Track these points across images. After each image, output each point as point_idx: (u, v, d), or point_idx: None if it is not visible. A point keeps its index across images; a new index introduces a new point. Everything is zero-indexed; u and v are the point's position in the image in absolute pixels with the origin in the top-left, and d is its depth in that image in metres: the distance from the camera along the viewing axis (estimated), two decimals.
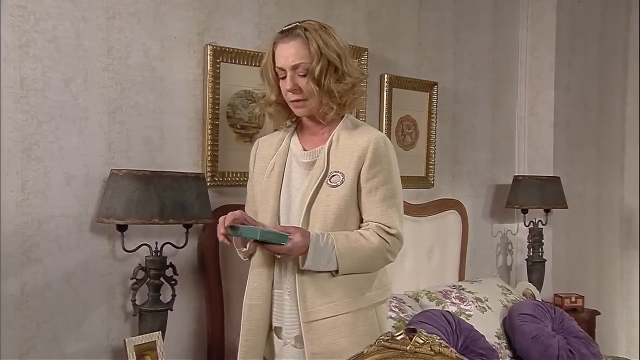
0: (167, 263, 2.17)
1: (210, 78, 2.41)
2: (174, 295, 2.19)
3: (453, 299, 2.75)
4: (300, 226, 1.73)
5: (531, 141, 3.71)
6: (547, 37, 3.61)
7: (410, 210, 3.05)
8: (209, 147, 2.42)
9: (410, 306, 2.58)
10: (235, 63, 2.49)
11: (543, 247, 3.48)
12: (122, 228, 2.09)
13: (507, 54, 3.71)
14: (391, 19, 3.09)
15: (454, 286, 2.93)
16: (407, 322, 2.37)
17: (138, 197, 2.01)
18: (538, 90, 3.67)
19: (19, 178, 1.98)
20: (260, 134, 2.59)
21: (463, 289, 2.90)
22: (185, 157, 2.40)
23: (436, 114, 3.27)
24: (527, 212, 3.49)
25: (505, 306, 2.83)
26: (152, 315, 2.12)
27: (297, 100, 1.76)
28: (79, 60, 2.10)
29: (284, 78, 1.76)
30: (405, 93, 3.11)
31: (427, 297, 2.75)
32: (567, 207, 3.46)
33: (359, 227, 1.78)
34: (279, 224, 1.80)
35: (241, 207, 2.47)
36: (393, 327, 2.29)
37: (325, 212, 1.73)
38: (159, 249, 2.15)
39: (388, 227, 1.75)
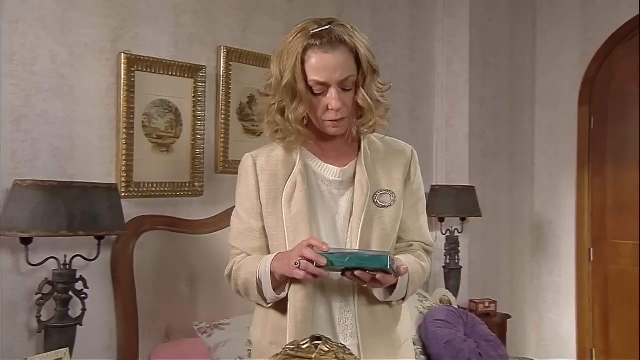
0: (77, 276, 2.08)
1: (125, 87, 2.34)
2: (83, 310, 2.09)
3: None
4: None
5: (448, 152, 3.82)
6: (461, 51, 3.73)
7: None
8: (124, 157, 2.36)
9: None
10: (151, 72, 2.43)
11: (459, 254, 3.57)
12: (26, 241, 1.98)
13: (424, 67, 3.81)
14: None
15: None
16: None
17: (44, 208, 1.92)
18: (454, 103, 3.79)
19: None
20: (177, 144, 2.54)
21: None
22: (97, 167, 2.32)
23: None
24: (444, 221, 3.58)
25: (421, 313, 2.88)
26: (59, 332, 2.02)
27: (340, 120, 1.44)
28: None
29: (320, 94, 1.43)
30: None
31: None
32: (481, 216, 3.57)
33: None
34: None
35: (158, 218, 2.44)
36: None
37: (382, 236, 1.49)
38: (67, 262, 2.06)
39: (428, 245, 1.61)
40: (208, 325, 2.30)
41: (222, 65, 2.66)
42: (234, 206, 2.63)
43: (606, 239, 3.98)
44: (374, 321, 1.49)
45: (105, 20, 2.31)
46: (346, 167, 1.53)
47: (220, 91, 2.67)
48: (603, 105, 3.95)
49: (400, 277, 1.42)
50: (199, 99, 2.58)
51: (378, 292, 1.47)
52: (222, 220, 2.61)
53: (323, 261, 1.32)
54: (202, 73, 2.59)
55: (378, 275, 1.34)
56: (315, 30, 1.39)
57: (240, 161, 2.69)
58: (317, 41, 1.38)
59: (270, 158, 1.54)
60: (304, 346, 1.27)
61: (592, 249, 4.03)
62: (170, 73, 2.49)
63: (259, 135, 2.83)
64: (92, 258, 2.15)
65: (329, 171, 1.53)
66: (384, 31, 3.53)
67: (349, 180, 1.52)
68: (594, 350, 3.95)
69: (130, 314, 2.31)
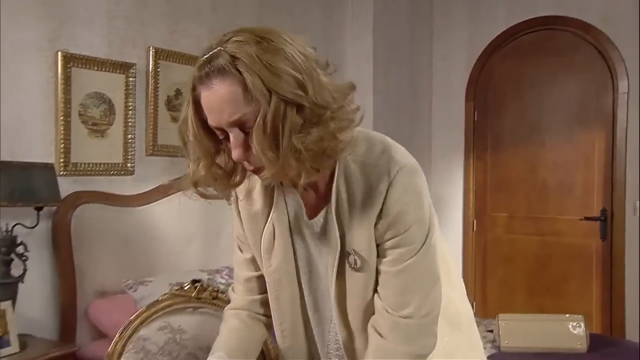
0: (18, 241, 2.22)
1: (62, 80, 2.46)
2: (25, 270, 2.24)
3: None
4: (339, 333, 1.14)
5: None
6: (366, 52, 3.97)
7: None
8: (62, 141, 2.49)
9: None
10: (86, 68, 2.56)
11: None
12: None
13: (336, 65, 4.01)
14: None
15: None
16: None
17: None
18: (361, 96, 4.02)
19: None
20: (111, 130, 2.69)
21: None
22: (40, 149, 2.44)
23: None
24: None
25: None
26: (3, 287, 2.16)
27: (258, 169, 0.98)
28: None
29: (225, 137, 0.98)
30: None
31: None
32: None
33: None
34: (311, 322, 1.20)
35: (93, 193, 2.58)
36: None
37: (361, 305, 1.10)
38: (9, 229, 2.20)
39: (397, 308, 1.07)
40: (134, 282, 2.48)
41: (151, 63, 2.81)
42: (164, 184, 2.85)
43: (486, 212, 4.33)
44: None
45: (45, 23, 2.43)
46: (316, 217, 1.10)
47: (150, 85, 2.81)
48: (484, 101, 4.27)
49: None
50: (130, 92, 2.73)
51: None
52: (151, 195, 2.79)
53: None
54: (133, 70, 2.73)
55: None
56: (202, 59, 0.96)
57: (166, 145, 2.89)
58: (201, 75, 0.95)
59: (250, 194, 1.16)
60: (186, 288, 1.49)
61: (475, 220, 4.37)
62: (103, 69, 2.63)
63: None
64: (32, 226, 2.29)
65: (305, 219, 1.13)
66: (301, 33, 3.68)
67: (322, 232, 1.11)
68: (474, 302, 4.32)
69: (69, 275, 2.45)
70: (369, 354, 1.08)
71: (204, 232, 2.97)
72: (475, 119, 4.32)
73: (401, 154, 1.08)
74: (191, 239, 2.92)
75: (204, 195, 1.06)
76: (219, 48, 0.94)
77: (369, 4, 3.89)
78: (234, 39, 0.94)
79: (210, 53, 0.94)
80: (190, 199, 1.07)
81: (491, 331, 2.65)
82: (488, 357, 1.36)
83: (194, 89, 0.97)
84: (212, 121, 0.96)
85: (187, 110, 0.99)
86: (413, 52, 4.36)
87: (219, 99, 0.93)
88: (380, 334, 1.07)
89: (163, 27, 2.91)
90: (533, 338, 2.42)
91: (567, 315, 2.50)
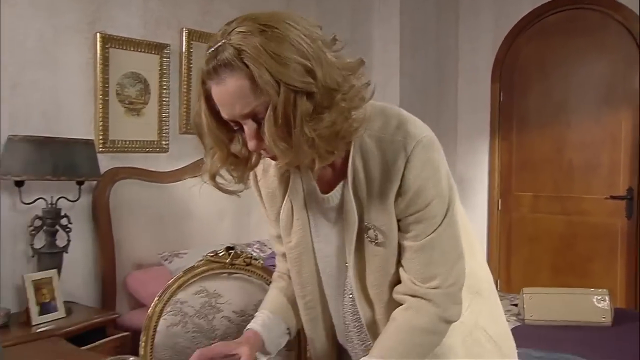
0: (62, 214, 2.30)
1: (100, 61, 2.53)
2: (68, 241, 2.32)
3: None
4: (359, 306, 1.13)
5: None
6: (393, 35, 3.95)
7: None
8: (100, 119, 2.56)
9: None
10: (123, 49, 2.62)
11: None
12: (19, 184, 2.20)
13: (363, 48, 4.01)
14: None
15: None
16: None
17: (35, 158, 2.13)
18: (388, 78, 4.01)
19: None
20: (147, 109, 2.74)
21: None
22: (80, 127, 2.51)
23: None
24: None
25: None
26: (49, 257, 2.25)
27: (274, 157, 0.98)
28: None
29: (240, 128, 0.98)
30: None
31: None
32: None
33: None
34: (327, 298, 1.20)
35: (130, 169, 2.65)
36: None
37: (379, 277, 1.09)
38: (54, 202, 2.28)
39: (424, 281, 1.05)
40: (169, 254, 2.54)
41: (184, 44, 2.85)
42: (196, 160, 2.90)
43: (511, 192, 4.28)
44: None
45: (84, 5, 2.48)
46: (331, 193, 1.09)
47: (183, 65, 2.86)
48: (510, 82, 4.21)
49: None
50: (165, 71, 2.78)
51: None
52: (185, 172, 2.83)
53: None
54: (167, 50, 2.78)
55: None
56: (208, 53, 0.93)
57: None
58: (211, 70, 0.92)
59: (267, 173, 1.16)
60: (221, 254, 1.53)
61: (500, 200, 4.34)
62: (139, 50, 2.68)
63: None
64: (74, 200, 2.37)
65: (319, 195, 1.11)
66: (329, 17, 3.71)
67: (339, 207, 1.10)
68: (499, 280, 4.30)
69: (108, 246, 2.53)
70: (398, 312, 1.07)
71: (236, 208, 3.02)
72: (501, 100, 4.27)
73: (417, 127, 1.05)
74: (223, 215, 2.97)
75: (221, 189, 1.06)
76: (223, 41, 0.91)
77: None
78: (238, 29, 0.90)
79: (215, 46, 0.91)
80: (222, 178, 1.08)
81: (516, 305, 2.65)
82: (512, 329, 1.36)
83: (203, 82, 0.95)
84: (224, 114, 0.95)
85: (199, 104, 0.98)
86: (439, 35, 4.31)
87: (228, 93, 0.92)
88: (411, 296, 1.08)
89: (196, 9, 2.95)
90: (557, 311, 2.42)
91: (592, 289, 2.48)
